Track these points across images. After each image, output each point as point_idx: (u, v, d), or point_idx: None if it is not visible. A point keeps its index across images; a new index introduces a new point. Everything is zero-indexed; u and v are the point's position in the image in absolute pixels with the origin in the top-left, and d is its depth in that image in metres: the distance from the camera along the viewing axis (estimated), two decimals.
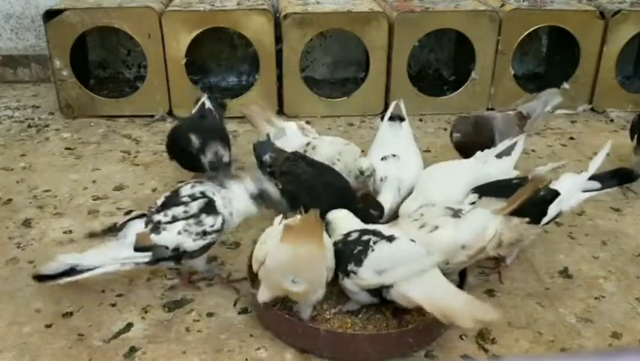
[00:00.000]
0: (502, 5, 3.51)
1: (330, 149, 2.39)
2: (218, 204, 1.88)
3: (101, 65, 4.05)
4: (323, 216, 1.98)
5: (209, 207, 1.87)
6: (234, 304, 1.94)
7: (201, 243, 1.86)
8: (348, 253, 1.73)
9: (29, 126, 3.35)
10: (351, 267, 1.71)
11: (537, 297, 2.00)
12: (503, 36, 3.42)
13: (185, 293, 1.99)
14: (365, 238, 1.75)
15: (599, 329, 1.86)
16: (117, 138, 3.21)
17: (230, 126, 3.29)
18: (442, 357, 1.75)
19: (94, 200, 2.56)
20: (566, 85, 3.58)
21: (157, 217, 1.87)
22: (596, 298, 2.00)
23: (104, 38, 3.95)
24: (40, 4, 3.91)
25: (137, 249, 1.83)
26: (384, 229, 1.81)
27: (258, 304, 1.77)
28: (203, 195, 1.89)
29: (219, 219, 1.87)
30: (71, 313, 1.89)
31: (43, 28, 3.41)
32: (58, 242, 2.27)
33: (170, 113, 3.46)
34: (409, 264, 1.68)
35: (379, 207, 2.16)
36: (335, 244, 1.78)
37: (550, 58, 4.07)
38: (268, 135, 2.50)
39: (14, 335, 1.80)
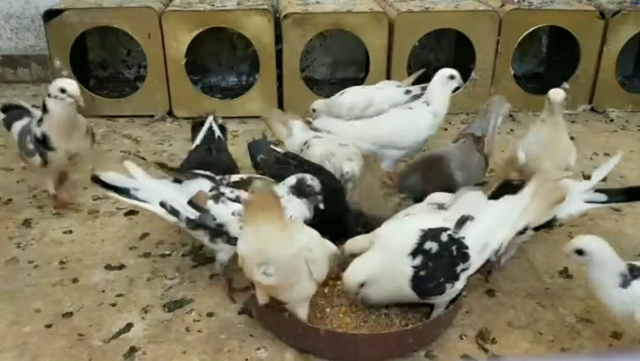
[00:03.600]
0: (502, 5, 3.51)
1: (322, 148, 2.34)
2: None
3: (101, 65, 4.05)
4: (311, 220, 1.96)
5: None
6: (245, 308, 1.93)
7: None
8: (447, 261, 1.70)
9: None
10: (460, 267, 1.71)
11: (537, 297, 2.00)
12: (503, 36, 3.42)
13: (185, 293, 1.99)
14: (443, 238, 1.71)
15: (598, 329, 1.86)
16: (117, 138, 3.21)
17: (231, 126, 3.29)
18: (442, 357, 1.75)
19: (94, 200, 2.56)
20: (566, 85, 3.58)
21: (224, 189, 1.89)
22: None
23: (104, 38, 3.95)
24: (40, 4, 3.91)
25: (190, 202, 1.86)
26: (434, 221, 1.77)
27: (258, 304, 1.77)
28: None
29: None
30: (71, 314, 1.90)
31: (43, 28, 3.41)
32: (59, 242, 2.27)
33: (170, 113, 3.46)
34: (500, 221, 1.75)
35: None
36: (416, 268, 1.69)
37: (550, 58, 4.07)
38: (264, 134, 2.50)
39: (14, 335, 1.81)
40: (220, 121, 2.38)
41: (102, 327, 1.84)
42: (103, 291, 2.00)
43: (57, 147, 2.28)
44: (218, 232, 1.88)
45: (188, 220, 1.88)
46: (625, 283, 1.59)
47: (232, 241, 1.87)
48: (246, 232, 1.62)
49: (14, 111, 2.49)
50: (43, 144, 2.27)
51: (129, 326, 1.85)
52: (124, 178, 1.90)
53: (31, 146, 2.30)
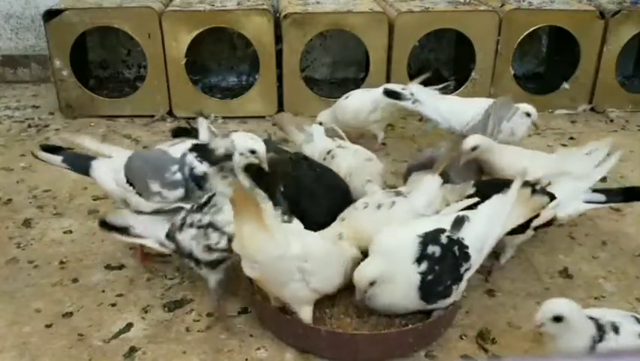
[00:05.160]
0: (502, 5, 3.51)
1: (350, 161, 2.29)
2: (224, 220, 1.76)
3: (101, 65, 4.05)
4: (325, 220, 1.98)
5: (215, 224, 1.78)
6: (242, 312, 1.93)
7: (207, 257, 1.79)
8: (451, 262, 1.71)
9: (29, 126, 3.34)
10: (463, 268, 1.72)
11: (537, 297, 1.99)
12: (503, 36, 3.42)
13: (185, 293, 1.99)
14: (443, 240, 1.71)
15: None
16: (117, 138, 3.21)
17: (231, 126, 3.30)
18: (442, 357, 1.75)
19: (94, 200, 2.56)
20: (566, 85, 3.58)
21: (186, 215, 1.83)
22: (596, 298, 2.00)
23: (104, 38, 3.95)
24: (40, 4, 3.91)
25: (167, 236, 1.84)
26: (425, 223, 1.79)
27: (257, 304, 1.77)
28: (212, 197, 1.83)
29: (224, 239, 1.75)
30: (71, 314, 1.90)
31: (43, 28, 3.41)
32: (59, 242, 2.27)
33: (170, 113, 3.46)
34: (492, 221, 1.75)
35: None
36: (423, 274, 1.69)
37: (550, 58, 4.07)
38: (269, 135, 2.49)
39: (14, 335, 1.81)
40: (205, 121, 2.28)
41: (102, 327, 1.84)
42: (103, 291, 2.00)
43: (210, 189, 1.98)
44: (196, 259, 1.80)
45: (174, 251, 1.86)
46: (592, 348, 1.47)
47: (210, 265, 1.80)
48: (235, 231, 1.63)
49: (66, 152, 2.17)
50: (198, 181, 1.98)
51: (129, 326, 1.85)
52: (122, 218, 1.88)
53: (178, 176, 1.98)
